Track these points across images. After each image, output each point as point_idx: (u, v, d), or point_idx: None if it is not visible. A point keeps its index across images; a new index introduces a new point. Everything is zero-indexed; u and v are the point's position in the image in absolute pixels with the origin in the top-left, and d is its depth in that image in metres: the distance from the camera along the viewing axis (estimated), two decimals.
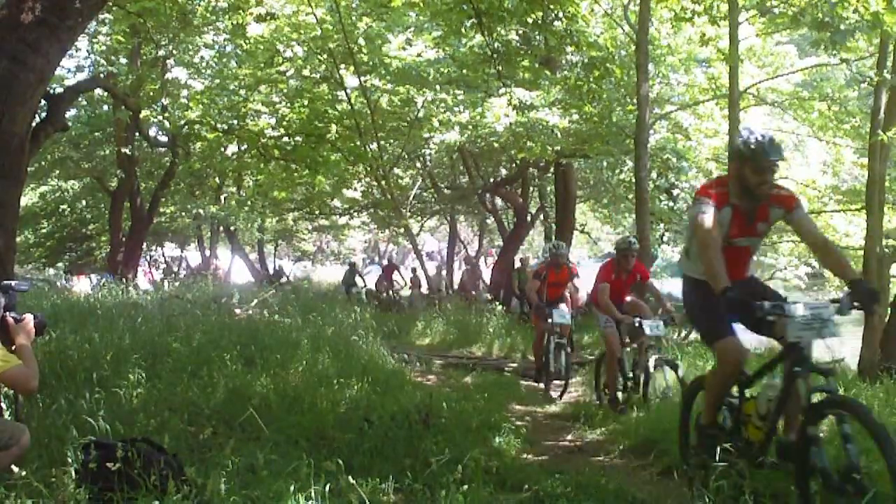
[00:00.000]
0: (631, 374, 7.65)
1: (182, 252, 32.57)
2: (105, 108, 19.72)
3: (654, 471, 5.22)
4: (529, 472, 4.93)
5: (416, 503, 4.03)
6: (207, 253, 28.95)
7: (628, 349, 7.76)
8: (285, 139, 15.82)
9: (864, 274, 10.27)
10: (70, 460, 3.66)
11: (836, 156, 15.21)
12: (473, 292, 20.64)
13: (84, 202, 26.58)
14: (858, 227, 12.92)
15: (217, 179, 23.94)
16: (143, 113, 15.34)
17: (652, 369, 7.25)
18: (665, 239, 19.36)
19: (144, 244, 23.09)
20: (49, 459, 3.96)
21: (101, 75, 16.38)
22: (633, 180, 11.53)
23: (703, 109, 15.05)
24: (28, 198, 24.21)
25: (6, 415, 3.87)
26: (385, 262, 25.51)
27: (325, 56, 14.49)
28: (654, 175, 13.98)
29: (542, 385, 9.40)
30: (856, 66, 11.28)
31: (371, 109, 14.69)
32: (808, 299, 5.14)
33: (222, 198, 24.88)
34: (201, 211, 22.60)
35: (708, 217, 4.04)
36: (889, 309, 9.45)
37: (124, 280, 14.16)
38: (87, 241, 27.31)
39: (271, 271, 29.01)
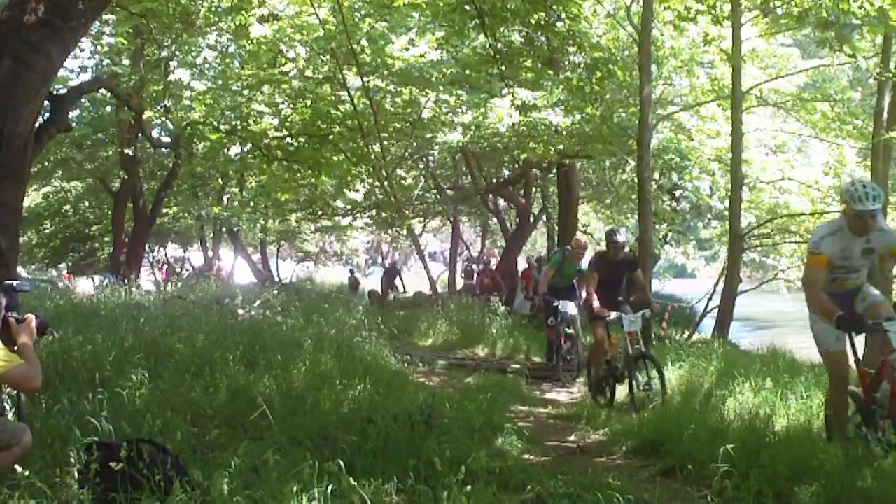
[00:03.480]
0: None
1: (185, 253, 32.67)
2: (108, 108, 19.73)
3: (657, 471, 5.22)
4: (532, 473, 4.92)
5: None
6: (210, 254, 28.99)
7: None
8: (288, 140, 15.82)
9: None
10: (73, 461, 3.67)
11: (839, 157, 15.18)
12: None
13: (87, 203, 26.64)
14: None
15: (220, 180, 23.97)
16: (146, 114, 15.34)
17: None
18: (668, 239, 19.35)
19: (147, 245, 23.13)
20: (52, 460, 3.97)
21: (105, 76, 16.40)
22: (636, 181, 11.51)
23: (705, 111, 15.03)
24: (31, 198, 24.26)
25: (9, 415, 3.88)
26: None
27: (327, 57, 14.49)
28: (656, 175, 13.97)
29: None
30: (863, 63, 11.25)
31: (374, 110, 14.70)
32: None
33: (225, 198, 24.91)
34: (204, 212, 22.65)
35: None
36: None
37: (126, 280, 14.19)
38: (91, 241, 27.37)
39: (274, 273, 29.12)
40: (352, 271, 27.40)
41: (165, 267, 29.89)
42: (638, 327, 7.83)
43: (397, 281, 19.27)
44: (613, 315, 7.80)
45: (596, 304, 7.90)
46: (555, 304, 9.95)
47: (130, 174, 19.47)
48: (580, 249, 10.16)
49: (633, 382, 7.53)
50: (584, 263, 9.87)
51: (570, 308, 9.93)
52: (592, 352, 8.36)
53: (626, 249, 8.51)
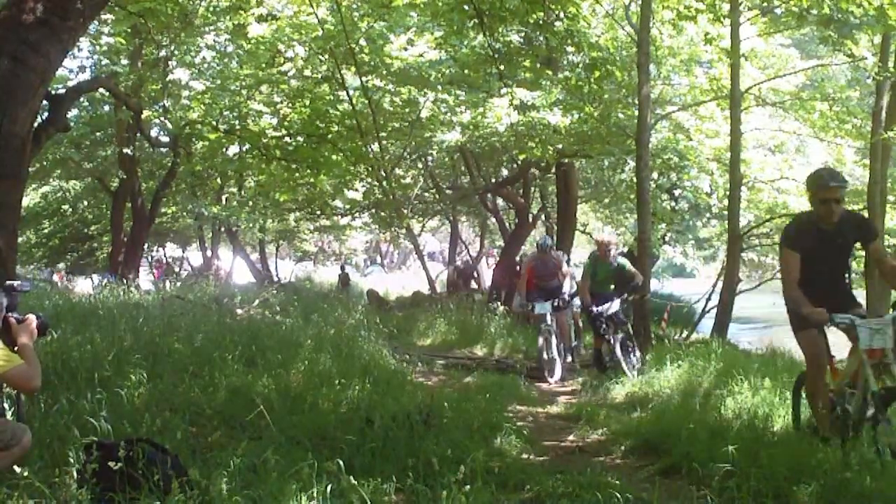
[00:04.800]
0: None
1: (184, 252, 32.66)
2: (106, 108, 19.72)
3: (657, 471, 5.22)
4: (531, 473, 4.93)
5: None
6: (209, 253, 29.00)
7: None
8: (287, 139, 15.82)
9: (864, 275, 10.27)
10: (72, 461, 3.67)
11: (838, 156, 15.20)
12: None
13: (85, 202, 26.63)
14: None
15: (218, 180, 23.96)
16: (145, 113, 15.34)
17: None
18: (667, 239, 19.34)
19: (146, 244, 23.10)
20: (51, 460, 3.97)
21: (103, 76, 16.38)
22: (635, 180, 11.51)
23: (704, 110, 15.03)
24: (30, 198, 24.24)
25: (8, 415, 3.88)
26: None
27: (326, 56, 14.49)
28: (655, 175, 13.96)
29: None
30: (870, 59, 11.24)
31: (372, 110, 14.69)
32: None
33: (224, 198, 24.90)
34: (203, 211, 22.63)
35: None
36: (891, 310, 9.37)
37: (125, 280, 14.18)
38: (89, 241, 27.36)
39: (273, 272, 29.21)
40: (343, 268, 28.12)
41: (164, 266, 29.88)
42: (889, 343, 4.51)
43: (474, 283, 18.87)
44: (840, 320, 4.65)
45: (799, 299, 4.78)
46: (596, 310, 9.43)
47: (129, 174, 19.44)
48: (604, 247, 9.71)
49: (875, 434, 4.54)
50: (617, 260, 9.64)
51: (611, 307, 9.41)
52: (808, 381, 5.18)
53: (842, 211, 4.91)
